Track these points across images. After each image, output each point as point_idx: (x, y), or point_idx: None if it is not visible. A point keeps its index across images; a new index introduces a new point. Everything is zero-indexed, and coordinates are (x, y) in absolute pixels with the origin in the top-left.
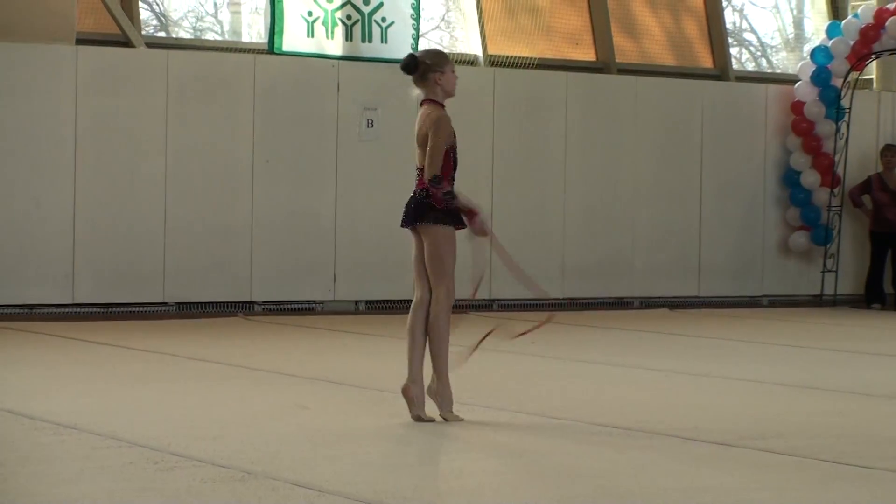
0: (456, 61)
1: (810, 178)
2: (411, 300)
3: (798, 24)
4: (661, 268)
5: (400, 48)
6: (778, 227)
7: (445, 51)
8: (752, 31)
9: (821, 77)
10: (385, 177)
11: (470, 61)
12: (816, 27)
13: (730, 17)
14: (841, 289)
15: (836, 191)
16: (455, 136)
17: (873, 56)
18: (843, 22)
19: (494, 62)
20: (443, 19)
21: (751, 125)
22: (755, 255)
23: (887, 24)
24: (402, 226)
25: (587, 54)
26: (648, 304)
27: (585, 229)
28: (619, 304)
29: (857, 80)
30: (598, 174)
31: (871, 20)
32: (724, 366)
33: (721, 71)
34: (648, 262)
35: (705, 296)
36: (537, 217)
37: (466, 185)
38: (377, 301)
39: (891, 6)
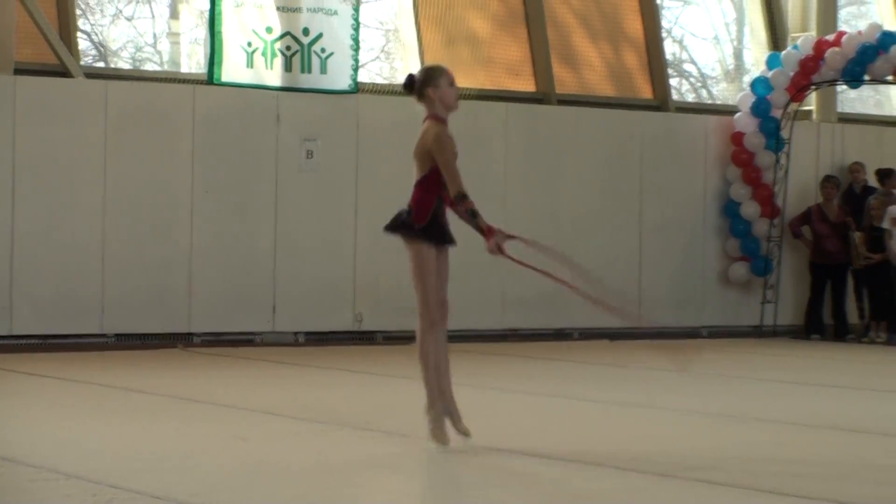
0: (394, 92)
1: (750, 209)
2: (351, 331)
3: (738, 54)
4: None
5: (339, 79)
6: (718, 257)
7: (442, 66)
8: (692, 61)
9: (760, 108)
10: (324, 207)
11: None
12: (756, 58)
13: (669, 48)
14: (780, 320)
15: (775, 222)
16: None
17: (813, 87)
18: (783, 53)
19: None
20: (382, 50)
21: (691, 156)
22: (695, 286)
23: (826, 55)
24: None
25: (527, 85)
26: (589, 335)
27: (528, 260)
28: (560, 335)
29: (796, 111)
30: (538, 205)
31: (810, 51)
32: (663, 397)
33: (661, 102)
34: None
35: (645, 326)
36: (476, 249)
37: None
38: (317, 332)
39: (830, 37)
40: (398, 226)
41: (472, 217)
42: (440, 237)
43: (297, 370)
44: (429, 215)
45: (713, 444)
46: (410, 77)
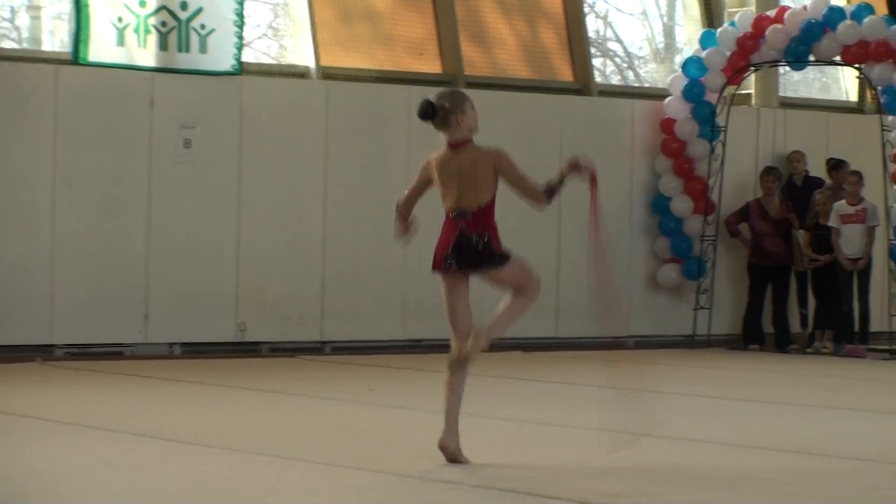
0: (284, 74)
1: (682, 205)
2: (233, 342)
3: (669, 32)
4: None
5: (221, 59)
6: (645, 259)
7: (462, 91)
8: (618, 40)
9: (693, 92)
10: (204, 203)
11: (300, 74)
12: (689, 36)
13: (592, 25)
14: (715, 328)
15: (710, 219)
16: None
17: (752, 68)
18: (719, 30)
19: (328, 75)
20: (270, 27)
21: (615, 145)
22: (620, 292)
23: (767, 33)
24: (443, 270)
25: (432, 66)
26: (500, 346)
27: (428, 264)
28: None
29: (733, 95)
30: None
31: (749, 28)
32: (582, 415)
33: (582, 85)
34: (498, 300)
35: (564, 337)
36: (376, 248)
37: (295, 210)
38: (195, 344)
39: (771, 13)
40: (483, 260)
41: (558, 186)
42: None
43: (173, 386)
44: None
45: (639, 467)
46: (430, 104)
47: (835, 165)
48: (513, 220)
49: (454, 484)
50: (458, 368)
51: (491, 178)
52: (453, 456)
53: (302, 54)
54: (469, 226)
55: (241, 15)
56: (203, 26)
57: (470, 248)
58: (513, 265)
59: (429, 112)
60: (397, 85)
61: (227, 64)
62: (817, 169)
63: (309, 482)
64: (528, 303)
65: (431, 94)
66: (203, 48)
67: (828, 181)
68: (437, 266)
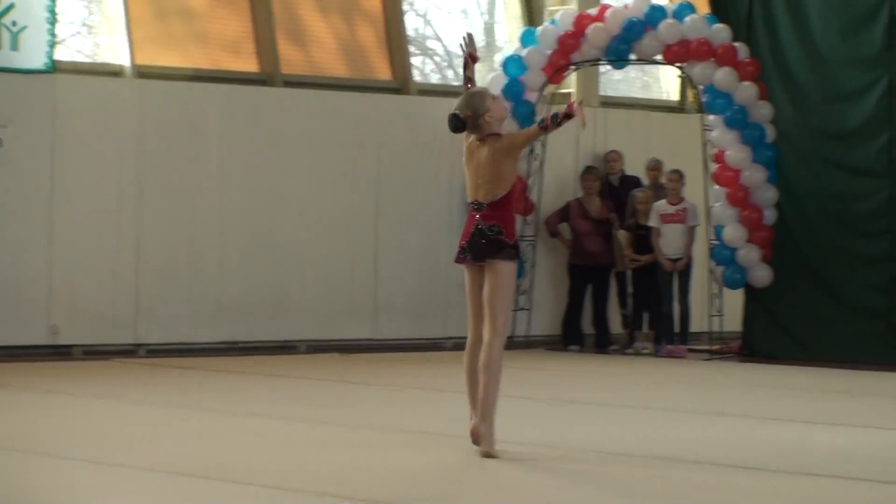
0: (98, 72)
1: None
2: (44, 345)
3: (489, 30)
4: (331, 307)
5: (33, 56)
6: None
7: (478, 90)
8: (437, 38)
9: (513, 90)
10: (15, 203)
11: (115, 72)
12: (510, 34)
13: (412, 23)
14: (535, 329)
15: (529, 219)
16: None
17: (572, 67)
18: (539, 29)
19: (143, 73)
20: (84, 24)
21: (434, 145)
22: (438, 293)
23: (588, 31)
24: (461, 261)
25: (248, 64)
26: (317, 347)
27: (246, 263)
28: (284, 347)
29: (554, 93)
30: (261, 201)
31: (570, 27)
32: (400, 418)
33: (401, 84)
34: (317, 301)
35: (381, 338)
36: (190, 248)
37: (108, 211)
38: (4, 347)
39: (592, 11)
40: (496, 249)
41: (557, 119)
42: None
43: None
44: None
45: (456, 470)
46: (457, 118)
47: (653, 165)
48: (329, 221)
49: (245, 484)
50: (475, 359)
51: (508, 170)
52: (472, 433)
53: (116, 52)
54: (484, 217)
55: (53, 12)
56: (14, 23)
57: (482, 240)
58: (508, 280)
59: (459, 126)
60: (213, 84)
61: (39, 62)
62: (639, 168)
63: (104, 484)
64: (498, 351)
65: (251, 93)
66: (14, 45)
67: (645, 181)
68: (456, 258)
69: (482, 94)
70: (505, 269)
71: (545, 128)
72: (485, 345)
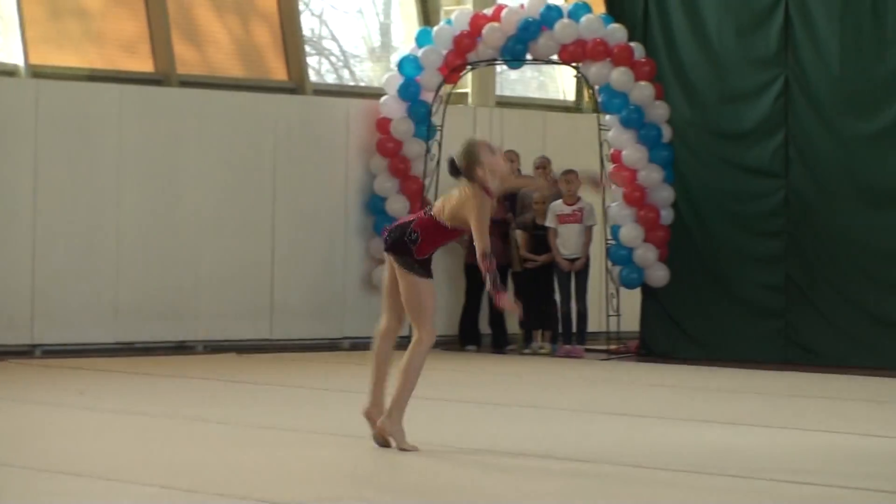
0: None
1: (397, 205)
2: None
3: (385, 30)
4: (228, 308)
5: None
6: (362, 260)
7: (476, 140)
8: (333, 38)
9: (409, 91)
10: None
11: (9, 72)
12: (406, 35)
13: (308, 23)
14: None
15: None
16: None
17: (468, 67)
18: (435, 29)
19: (37, 73)
20: None
21: (330, 145)
22: (335, 293)
23: (484, 31)
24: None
25: (144, 64)
26: (214, 348)
27: (143, 265)
28: (182, 348)
29: (450, 93)
30: (157, 202)
31: (466, 27)
32: (296, 417)
33: (297, 84)
34: (214, 301)
35: (278, 339)
36: (87, 250)
37: (3, 211)
38: None
39: (488, 11)
40: (399, 249)
41: (491, 278)
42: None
43: None
44: (428, 255)
45: (352, 469)
46: (452, 163)
47: (541, 165)
48: (226, 221)
49: (139, 484)
50: (383, 345)
51: (461, 219)
52: (379, 432)
53: (10, 52)
54: (420, 222)
55: None
56: None
57: (401, 237)
58: (414, 292)
59: (454, 172)
60: (109, 84)
61: None
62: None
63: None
64: (419, 357)
65: (147, 93)
66: None
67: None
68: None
69: (480, 145)
70: (409, 280)
71: (488, 260)
72: (409, 348)
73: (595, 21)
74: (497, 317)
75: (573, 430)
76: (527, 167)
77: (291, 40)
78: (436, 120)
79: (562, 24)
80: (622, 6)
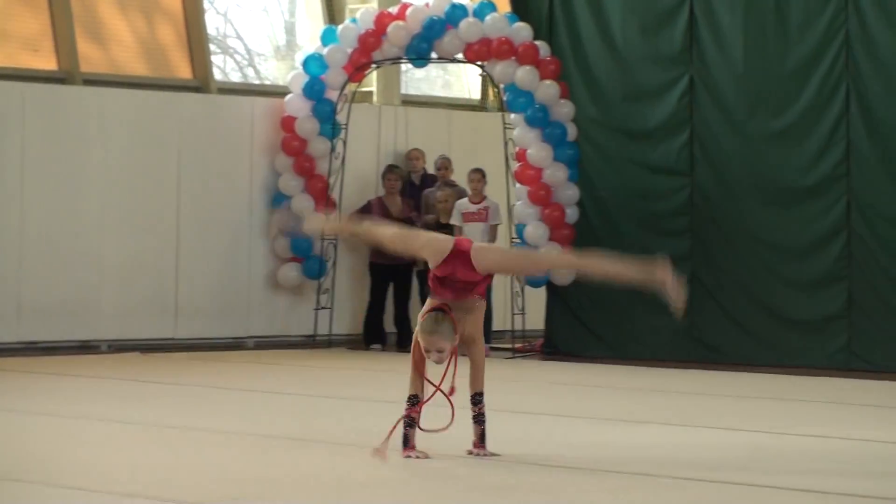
0: None
1: (302, 203)
2: None
3: (290, 29)
4: (132, 307)
5: None
6: (266, 258)
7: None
8: (238, 37)
9: (314, 89)
10: None
11: None
12: (311, 33)
13: (212, 22)
14: (337, 328)
15: (331, 217)
16: None
17: (373, 66)
18: (340, 27)
19: None
20: None
21: (235, 144)
22: (239, 292)
23: (389, 30)
24: None
25: (47, 63)
26: (118, 347)
27: (46, 263)
28: (86, 347)
29: (355, 92)
30: (59, 201)
31: (371, 25)
32: (201, 416)
33: (201, 82)
34: (118, 300)
35: (183, 338)
36: None
37: None
38: None
39: (393, 10)
40: None
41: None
42: None
43: None
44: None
45: (258, 469)
46: None
47: (442, 164)
48: (130, 220)
49: (43, 485)
50: None
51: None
52: None
53: None
54: None
55: None
56: None
57: None
58: None
59: None
60: (11, 82)
61: None
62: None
63: None
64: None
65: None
66: None
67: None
68: None
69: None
70: None
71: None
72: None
73: (500, 20)
74: (402, 316)
75: (468, 428)
76: (434, 166)
77: (196, 39)
78: (340, 118)
79: (467, 23)
80: (527, 5)
